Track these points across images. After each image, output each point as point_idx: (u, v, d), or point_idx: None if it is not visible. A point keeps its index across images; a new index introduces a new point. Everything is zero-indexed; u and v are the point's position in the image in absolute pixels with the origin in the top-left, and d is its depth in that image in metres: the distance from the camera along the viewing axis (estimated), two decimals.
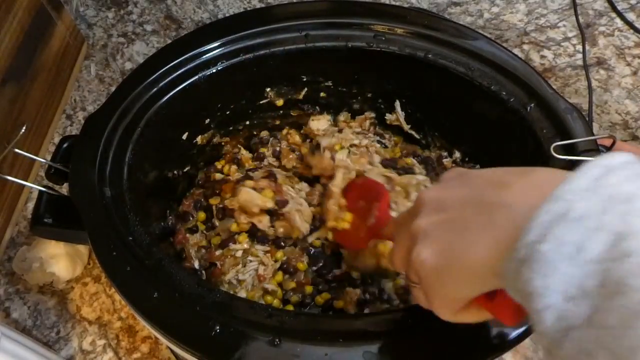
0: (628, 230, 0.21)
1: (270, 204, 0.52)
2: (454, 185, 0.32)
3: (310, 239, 0.54)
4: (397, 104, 0.58)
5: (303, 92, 0.59)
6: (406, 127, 0.59)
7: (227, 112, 0.58)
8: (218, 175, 0.57)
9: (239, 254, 0.52)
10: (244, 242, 0.52)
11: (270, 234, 0.53)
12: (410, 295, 0.49)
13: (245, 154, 0.59)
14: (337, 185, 0.54)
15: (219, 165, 0.59)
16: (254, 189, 0.53)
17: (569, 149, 0.44)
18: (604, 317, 0.20)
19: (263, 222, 0.52)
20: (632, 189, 0.22)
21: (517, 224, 0.24)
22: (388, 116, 0.59)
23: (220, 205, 0.54)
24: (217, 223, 0.54)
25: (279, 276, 0.51)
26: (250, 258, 0.51)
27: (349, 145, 0.57)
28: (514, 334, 0.35)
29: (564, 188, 0.23)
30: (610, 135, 0.44)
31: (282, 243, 0.53)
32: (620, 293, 0.20)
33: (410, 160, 0.57)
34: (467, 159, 0.57)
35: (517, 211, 0.26)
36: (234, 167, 0.57)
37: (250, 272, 0.51)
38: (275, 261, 0.52)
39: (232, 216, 0.53)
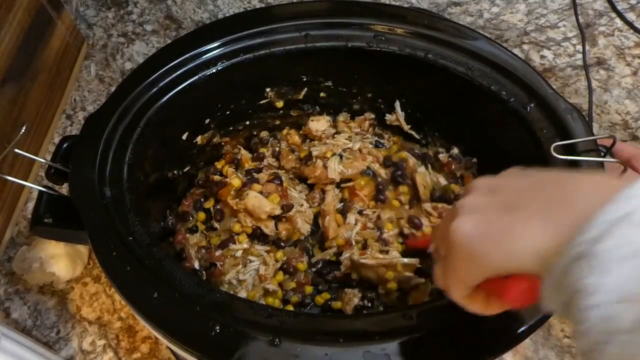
0: None
1: (278, 211, 0.52)
2: (511, 177, 0.32)
3: (318, 257, 0.53)
4: (397, 104, 0.58)
5: (303, 92, 0.59)
6: (406, 127, 0.59)
7: (227, 112, 0.58)
8: (217, 178, 0.57)
9: (239, 254, 0.52)
10: (243, 242, 0.52)
11: (272, 235, 0.53)
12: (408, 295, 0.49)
13: (245, 154, 0.59)
14: (328, 204, 0.54)
15: (218, 165, 0.59)
16: (261, 192, 0.53)
17: (569, 149, 0.44)
18: None
19: (269, 227, 0.52)
20: None
21: (574, 220, 0.24)
22: (388, 116, 0.59)
23: (218, 207, 0.54)
24: (216, 225, 0.54)
25: (280, 276, 0.51)
26: (250, 258, 0.51)
27: (341, 151, 0.57)
28: (514, 334, 0.35)
29: (628, 191, 0.23)
30: (610, 135, 0.44)
31: (282, 243, 0.53)
32: None
33: (405, 154, 0.57)
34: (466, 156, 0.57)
35: (577, 209, 0.25)
36: (231, 169, 0.57)
37: (251, 272, 0.51)
38: (276, 261, 0.52)
39: (234, 216, 0.53)
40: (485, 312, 0.32)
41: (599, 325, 0.22)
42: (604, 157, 0.43)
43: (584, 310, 0.22)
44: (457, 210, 0.31)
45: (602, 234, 0.23)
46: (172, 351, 0.54)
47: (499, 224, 0.28)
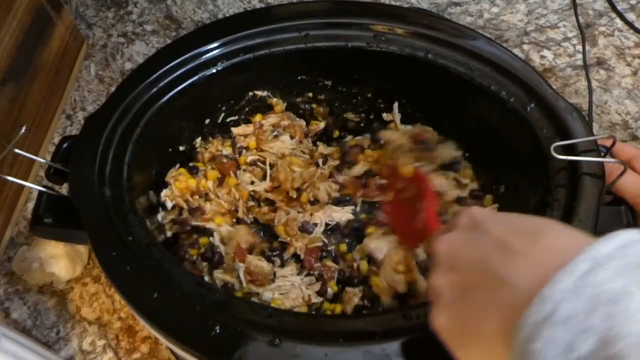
0: (614, 334, 0.21)
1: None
2: (466, 239, 0.32)
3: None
4: (395, 105, 0.58)
5: (303, 92, 0.59)
6: (400, 126, 0.59)
7: (228, 113, 0.58)
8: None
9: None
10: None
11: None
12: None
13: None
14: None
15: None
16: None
17: (569, 149, 0.44)
18: None
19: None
20: (618, 287, 0.23)
21: (518, 306, 0.25)
22: (384, 114, 0.59)
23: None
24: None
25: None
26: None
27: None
28: None
29: (548, 289, 0.24)
30: (610, 136, 0.44)
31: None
32: None
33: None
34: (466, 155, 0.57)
35: (518, 291, 0.26)
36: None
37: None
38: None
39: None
40: None
41: None
42: (603, 157, 0.43)
43: None
44: (429, 290, 0.32)
45: (533, 333, 0.23)
46: (172, 351, 0.54)
47: (465, 321, 0.29)
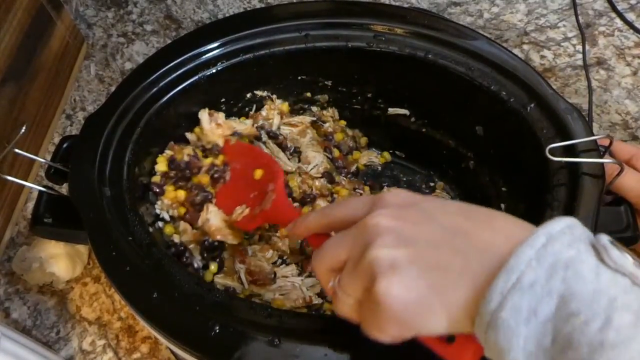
0: (570, 293, 0.25)
1: None
2: (414, 219, 0.31)
3: None
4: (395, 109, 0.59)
5: (303, 92, 0.59)
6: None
7: (228, 113, 0.58)
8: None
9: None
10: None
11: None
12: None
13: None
14: None
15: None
16: None
17: (568, 150, 0.44)
18: None
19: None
20: (572, 254, 0.26)
21: (490, 271, 0.27)
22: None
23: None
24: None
25: None
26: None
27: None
28: None
29: (514, 260, 0.26)
30: (607, 136, 0.44)
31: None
32: (570, 348, 0.24)
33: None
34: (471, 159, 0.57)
35: (489, 258, 0.28)
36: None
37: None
38: None
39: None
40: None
41: None
42: (602, 157, 0.43)
43: None
44: (368, 265, 0.30)
45: (501, 301, 0.26)
46: (172, 351, 0.54)
47: (429, 287, 0.29)
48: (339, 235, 0.34)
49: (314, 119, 0.59)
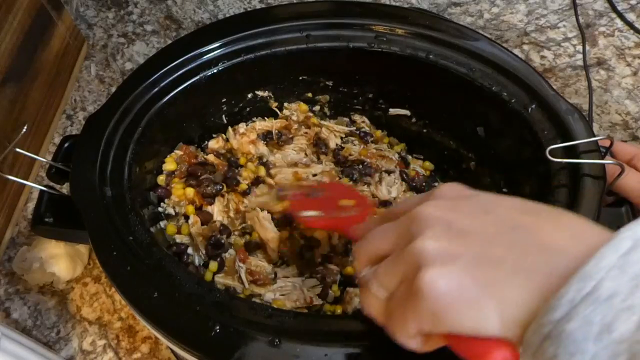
0: None
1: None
2: (468, 210, 0.29)
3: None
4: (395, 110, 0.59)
5: (304, 93, 0.59)
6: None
7: (229, 113, 0.58)
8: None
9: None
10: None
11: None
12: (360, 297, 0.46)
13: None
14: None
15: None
16: None
17: (569, 150, 0.44)
18: None
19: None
20: None
21: (554, 272, 0.24)
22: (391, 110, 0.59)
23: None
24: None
25: None
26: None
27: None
28: None
29: (592, 265, 0.23)
30: (608, 136, 0.44)
31: None
32: None
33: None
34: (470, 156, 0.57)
35: (553, 258, 0.25)
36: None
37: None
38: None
39: None
40: (422, 351, 0.30)
41: None
42: (602, 158, 0.43)
43: None
44: (416, 254, 0.28)
45: (570, 312, 0.23)
46: (172, 351, 0.54)
47: (476, 282, 0.26)
48: (388, 224, 0.32)
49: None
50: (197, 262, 0.50)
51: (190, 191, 0.52)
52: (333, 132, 0.59)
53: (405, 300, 0.28)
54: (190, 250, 0.51)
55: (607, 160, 0.43)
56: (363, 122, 0.61)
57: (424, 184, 0.57)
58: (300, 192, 0.51)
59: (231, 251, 0.51)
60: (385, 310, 0.31)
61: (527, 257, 0.26)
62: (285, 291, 0.48)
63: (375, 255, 0.32)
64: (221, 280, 0.49)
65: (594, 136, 0.44)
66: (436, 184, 0.60)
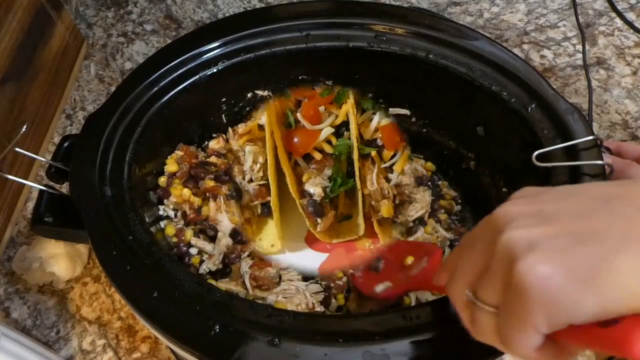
0: None
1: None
2: (551, 198, 0.28)
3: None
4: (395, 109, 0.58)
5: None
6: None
7: (228, 112, 0.58)
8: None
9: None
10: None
11: None
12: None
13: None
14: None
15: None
16: None
17: (569, 150, 0.44)
18: None
19: None
20: None
21: None
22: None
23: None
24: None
25: None
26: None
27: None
28: None
29: None
30: (596, 137, 0.43)
31: None
32: None
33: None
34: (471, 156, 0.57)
35: None
36: None
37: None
38: None
39: None
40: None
41: None
42: (600, 158, 0.43)
43: None
44: (502, 250, 0.26)
45: None
46: (172, 351, 0.54)
47: (583, 259, 0.24)
48: (461, 243, 0.31)
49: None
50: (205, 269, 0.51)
51: (187, 192, 0.52)
52: None
53: (512, 306, 0.26)
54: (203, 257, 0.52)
55: (597, 161, 0.42)
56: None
57: (429, 182, 0.57)
58: (362, 269, 0.50)
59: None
60: (498, 327, 0.28)
61: (634, 225, 0.24)
62: (289, 294, 0.48)
63: (469, 283, 0.29)
64: (224, 285, 0.49)
65: (594, 135, 0.44)
66: (439, 182, 0.60)
